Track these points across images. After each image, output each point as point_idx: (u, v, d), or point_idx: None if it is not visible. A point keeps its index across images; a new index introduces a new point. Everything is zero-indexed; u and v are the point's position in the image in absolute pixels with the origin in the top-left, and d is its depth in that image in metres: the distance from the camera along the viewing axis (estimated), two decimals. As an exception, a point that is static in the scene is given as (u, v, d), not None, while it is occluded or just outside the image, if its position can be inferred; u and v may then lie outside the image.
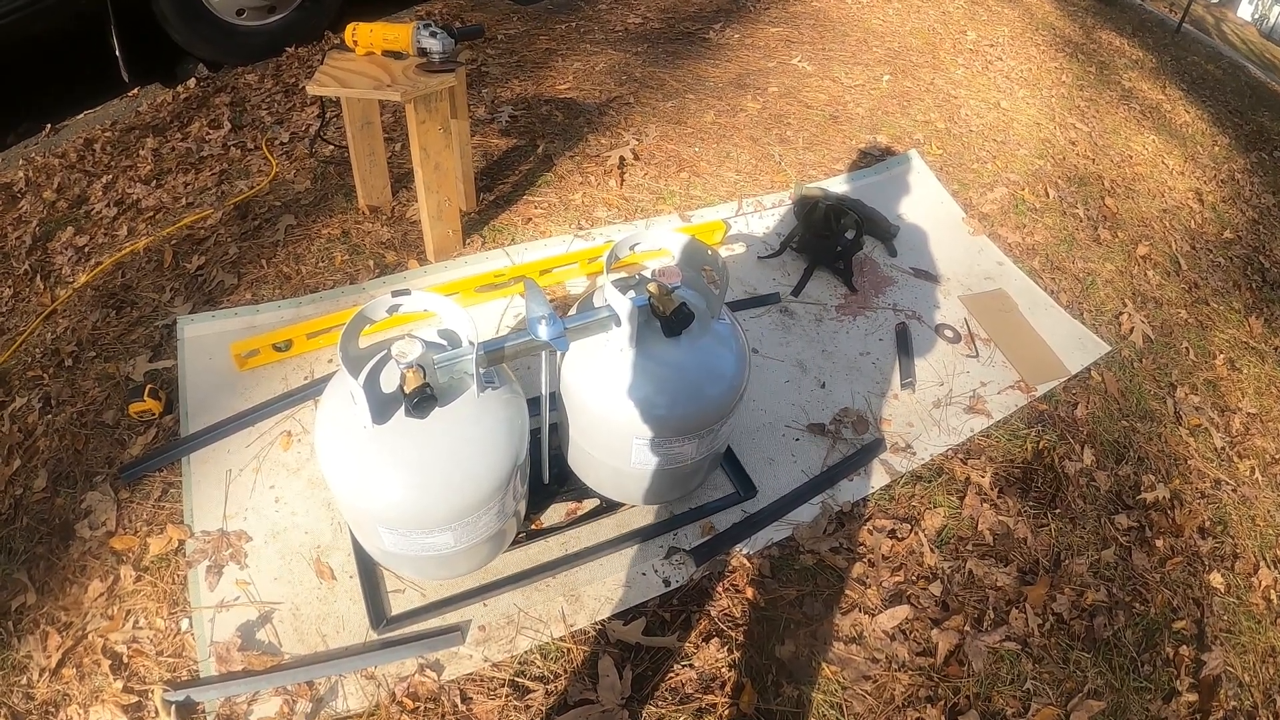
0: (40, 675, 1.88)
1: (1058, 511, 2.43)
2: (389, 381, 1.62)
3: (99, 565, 2.08)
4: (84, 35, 3.71)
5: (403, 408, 1.55)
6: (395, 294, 1.60)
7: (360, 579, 1.98)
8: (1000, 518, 2.36)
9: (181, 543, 2.10)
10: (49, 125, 3.89)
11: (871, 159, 3.69)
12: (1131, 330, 3.16)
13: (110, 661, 1.89)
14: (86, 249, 3.04)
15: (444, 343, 1.68)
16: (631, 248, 1.78)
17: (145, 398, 2.35)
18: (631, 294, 1.73)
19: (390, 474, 1.56)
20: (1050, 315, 3.08)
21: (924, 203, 3.46)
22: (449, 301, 1.62)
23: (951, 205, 3.49)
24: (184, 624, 1.97)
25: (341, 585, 2.01)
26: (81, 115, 3.97)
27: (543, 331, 1.60)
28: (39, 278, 2.95)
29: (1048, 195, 3.78)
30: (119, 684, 1.85)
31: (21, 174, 3.53)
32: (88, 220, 3.19)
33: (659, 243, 1.82)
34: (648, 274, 1.75)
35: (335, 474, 1.60)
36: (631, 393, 1.71)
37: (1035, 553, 2.31)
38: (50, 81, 4.23)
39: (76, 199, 3.31)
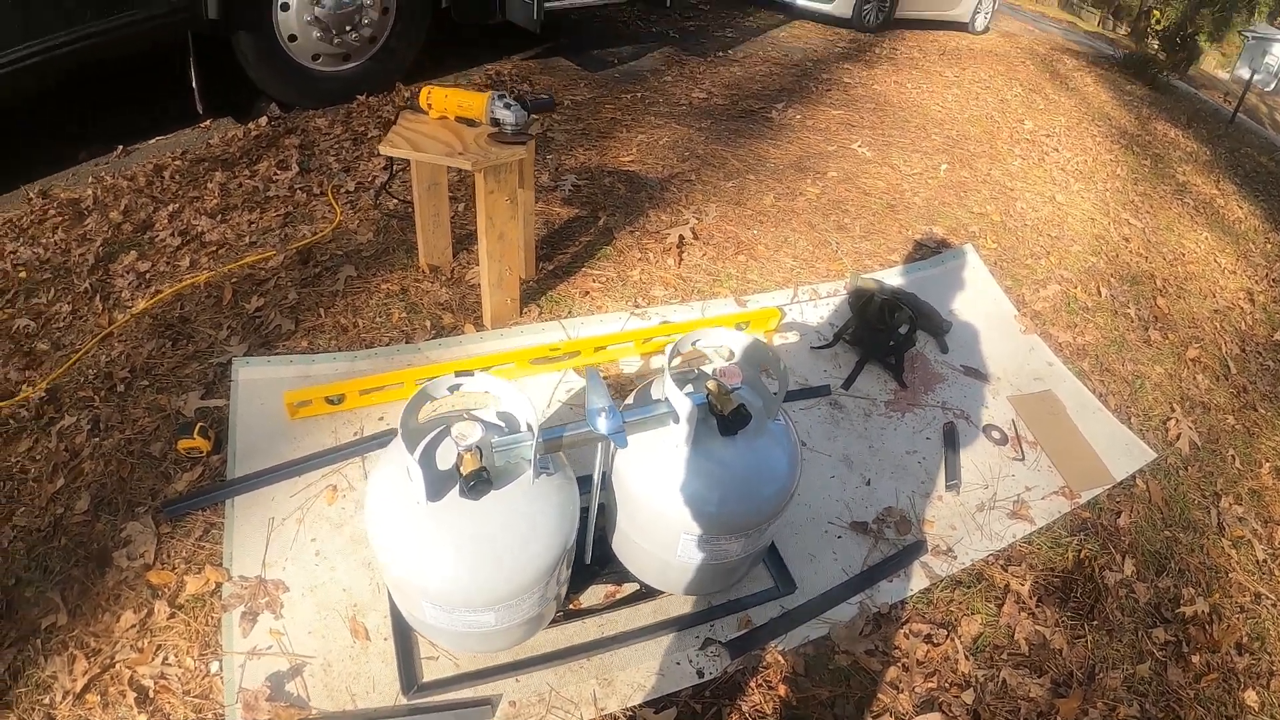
0: (64, 698, 1.88)
1: (1095, 623, 2.38)
2: (445, 457, 1.62)
3: (133, 596, 2.09)
4: (163, 63, 3.83)
5: (457, 487, 1.55)
6: (458, 374, 1.61)
7: (395, 642, 1.97)
8: (1037, 627, 2.31)
9: (219, 585, 2.11)
10: (121, 147, 4.00)
11: (927, 250, 3.69)
12: (1178, 437, 3.11)
13: (136, 694, 1.89)
14: (148, 275, 3.11)
15: (501, 424, 1.69)
16: (693, 343, 1.78)
17: (195, 435, 2.37)
18: (690, 389, 1.74)
19: (441, 552, 1.56)
20: (1098, 419, 3.04)
21: (977, 299, 3.46)
22: (510, 386, 1.63)
23: (1004, 302, 3.47)
24: (214, 666, 1.96)
25: (375, 646, 2.00)
26: (153, 141, 4.09)
27: (602, 425, 1.60)
28: (98, 298, 3.01)
29: (1100, 294, 3.76)
30: (143, 717, 1.85)
31: (90, 191, 3.62)
32: (151, 247, 3.26)
33: (722, 341, 1.82)
34: (708, 369, 1.75)
35: (384, 545, 1.61)
36: (684, 489, 1.70)
37: (1070, 664, 2.26)
38: (126, 104, 4.36)
39: (142, 224, 3.39)
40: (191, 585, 2.10)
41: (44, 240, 3.32)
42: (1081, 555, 2.54)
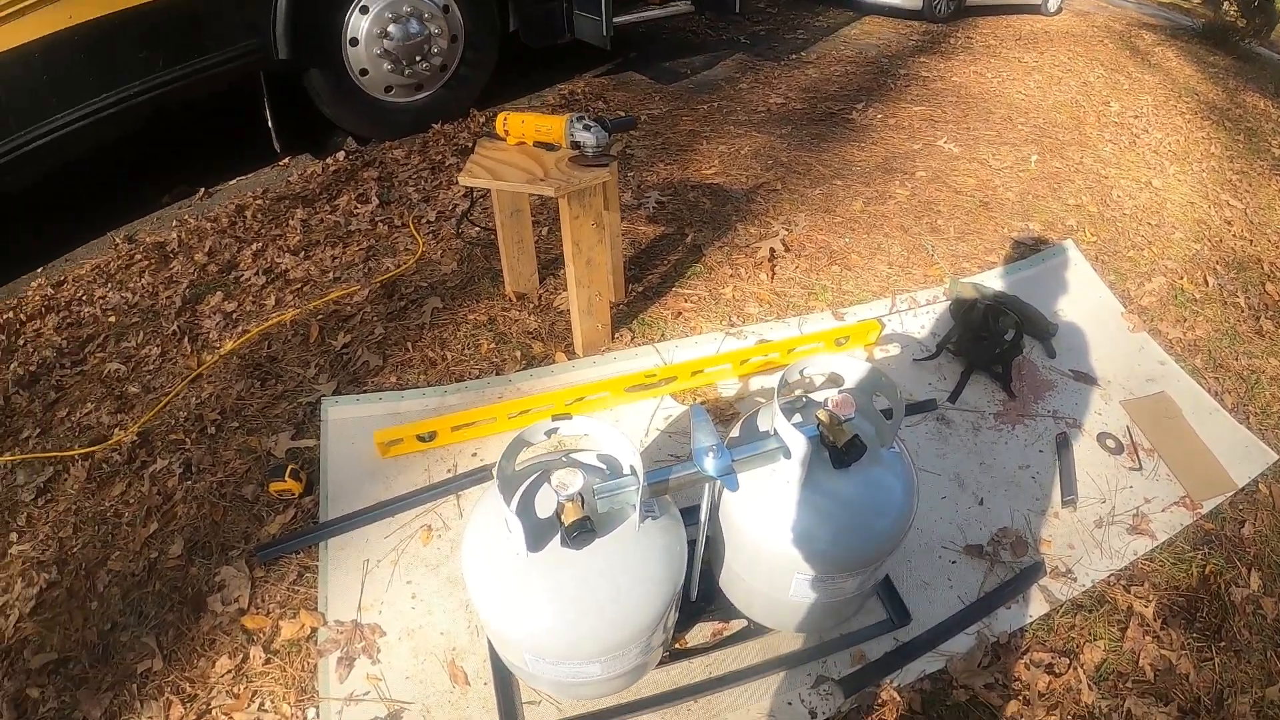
0: (160, 744, 1.87)
1: (1222, 644, 2.20)
2: (544, 504, 1.57)
3: (229, 642, 2.09)
4: (239, 105, 3.91)
5: (559, 536, 1.49)
6: (555, 418, 1.55)
7: (495, 687, 1.93)
8: (1163, 652, 2.15)
9: (314, 630, 2.10)
10: (203, 189, 4.09)
11: (1025, 249, 3.52)
12: (1300, 434, 2.89)
13: (232, 740, 1.87)
14: (234, 315, 3.15)
15: (603, 466, 1.62)
16: (801, 372, 1.69)
17: (286, 477, 2.38)
18: (798, 418, 1.65)
19: (543, 605, 1.50)
20: (1215, 420, 2.85)
21: (1081, 297, 3.27)
22: (610, 428, 1.56)
23: (1110, 299, 3.28)
24: (310, 713, 1.95)
25: (475, 691, 1.95)
26: (234, 181, 4.17)
27: (710, 466, 1.52)
28: (186, 340, 3.05)
29: (1207, 284, 3.53)
30: (239, 765, 1.83)
31: (175, 234, 3.70)
32: (236, 286, 3.30)
33: (832, 368, 1.72)
34: (817, 397, 1.66)
35: (484, 599, 1.55)
36: (795, 526, 1.61)
37: (1197, 690, 2.09)
38: (206, 146, 4.47)
39: (227, 264, 3.44)
40: (286, 630, 2.10)
41: (131, 284, 3.40)
42: (1206, 571, 2.37)
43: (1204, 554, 2.41)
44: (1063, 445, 2.62)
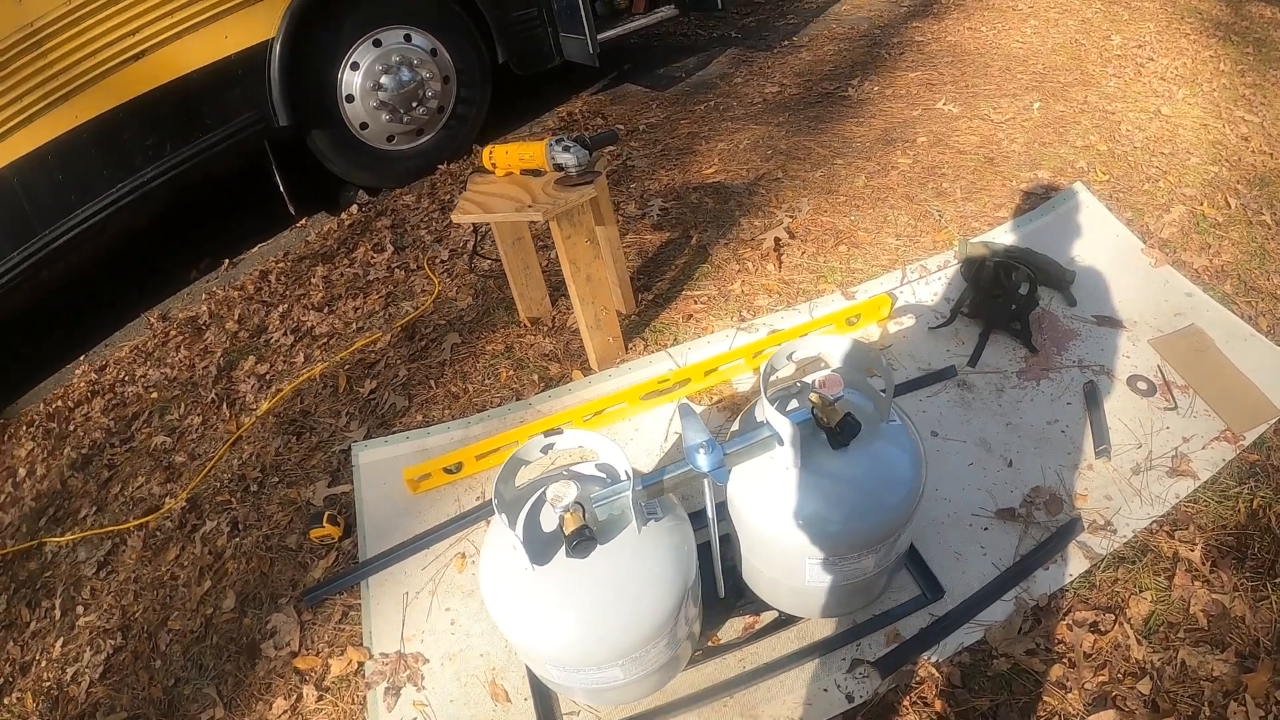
0: (227, 787, 1.96)
1: (1278, 580, 2.11)
2: (549, 519, 1.60)
3: (283, 684, 2.19)
4: (250, 174, 4.06)
5: (564, 547, 1.52)
6: (547, 434, 1.59)
7: (534, 702, 1.97)
8: (1214, 596, 2.06)
9: (361, 664, 2.17)
10: (227, 260, 4.26)
11: (1036, 199, 3.44)
12: (1343, 348, 2.76)
13: (293, 776, 1.95)
14: (267, 376, 3.27)
15: (604, 476, 1.66)
16: (788, 357, 1.70)
17: (325, 524, 2.47)
18: (794, 404, 1.66)
19: (554, 615, 1.54)
20: (1251, 346, 2.73)
21: (1098, 239, 3.18)
22: (600, 437, 1.60)
23: (1128, 237, 3.19)
24: (362, 743, 2.01)
25: (516, 707, 2.00)
26: (256, 249, 4.33)
27: (702, 461, 1.54)
28: (225, 405, 3.19)
29: (1229, 205, 3.41)
30: (301, 799, 1.91)
31: (205, 307, 3.86)
32: (267, 348, 3.43)
33: (815, 350, 1.73)
34: (809, 380, 1.67)
35: (501, 614, 1.61)
36: (800, 512, 1.62)
37: (1255, 632, 1.98)
38: (224, 219, 4.65)
39: (256, 329, 3.58)
40: (336, 667, 2.18)
41: (169, 360, 3.56)
42: (1254, 505, 2.26)
43: (1250, 487, 2.31)
44: (1091, 394, 2.55)
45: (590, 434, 1.60)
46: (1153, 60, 4.62)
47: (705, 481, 1.68)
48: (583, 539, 1.46)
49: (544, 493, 1.63)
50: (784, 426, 1.55)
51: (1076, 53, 4.72)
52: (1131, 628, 2.00)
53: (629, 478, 1.53)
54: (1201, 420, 2.50)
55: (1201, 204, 3.41)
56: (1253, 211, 3.38)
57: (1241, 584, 2.09)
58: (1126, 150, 3.77)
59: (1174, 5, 5.38)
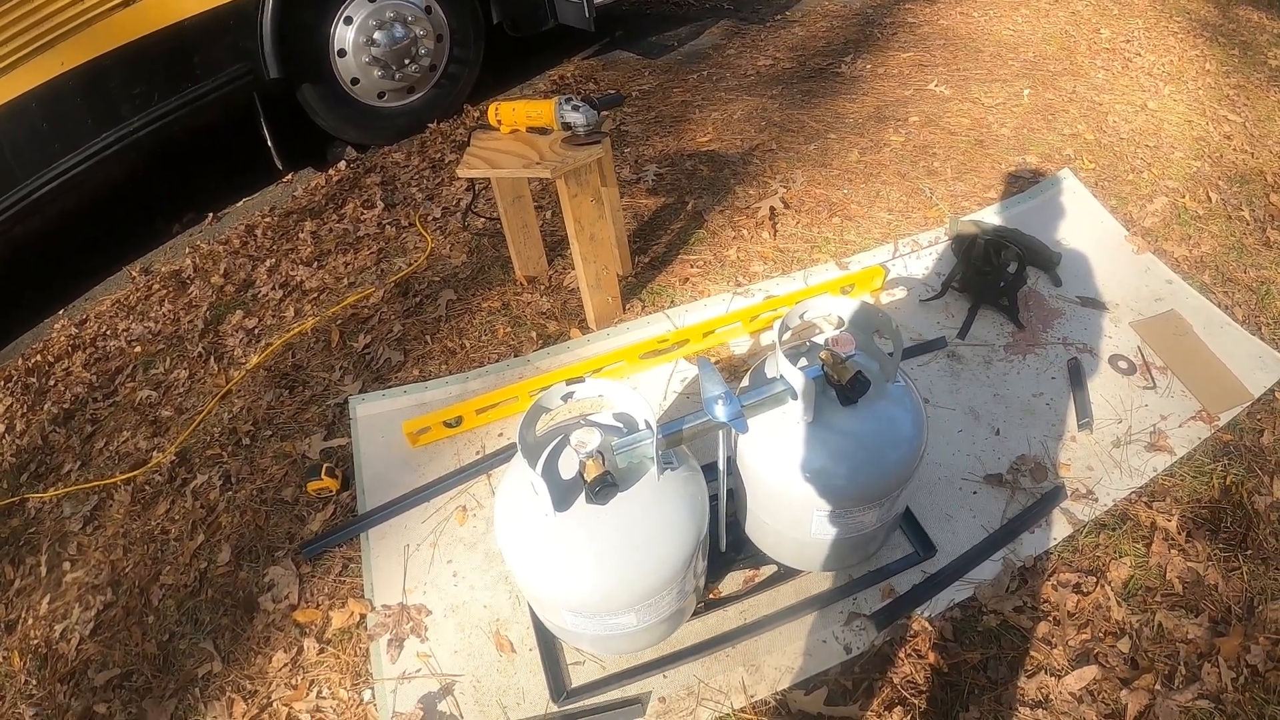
0: (226, 741, 1.97)
1: (1249, 553, 2.21)
2: (567, 467, 1.63)
3: (283, 637, 2.19)
4: (238, 127, 3.99)
5: (583, 494, 1.55)
6: (569, 382, 1.61)
7: (540, 652, 2.01)
8: (1189, 564, 2.17)
9: (363, 616, 2.19)
10: (211, 214, 4.18)
11: (1024, 182, 3.53)
12: (1312, 340, 2.88)
13: (295, 728, 1.97)
14: (256, 331, 3.24)
15: (620, 425, 1.69)
16: (801, 316, 1.74)
17: (323, 476, 2.46)
18: (804, 363, 1.70)
19: (574, 561, 1.57)
20: (1227, 334, 2.85)
21: (1083, 224, 3.28)
22: (623, 386, 1.63)
23: (1112, 223, 3.29)
24: (366, 695, 2.04)
25: (521, 658, 2.03)
26: (241, 203, 4.26)
27: (720, 412, 1.58)
28: (212, 359, 3.15)
29: (1210, 199, 3.52)
30: (303, 750, 1.92)
31: (189, 261, 3.80)
32: (255, 303, 3.39)
33: (829, 309, 1.77)
34: (820, 340, 1.71)
35: (518, 561, 1.63)
36: (809, 465, 1.67)
37: (1227, 599, 2.10)
38: (210, 173, 4.56)
39: (243, 283, 3.53)
40: (337, 619, 2.19)
41: (153, 314, 3.50)
42: (1227, 481, 2.38)
43: (1224, 465, 2.42)
44: (1075, 370, 2.64)
45: (612, 383, 1.63)
46: (1140, 55, 4.71)
47: (719, 435, 1.73)
48: (605, 485, 1.49)
49: (562, 440, 1.66)
50: (798, 380, 1.59)
51: (1066, 43, 4.80)
52: (1112, 590, 2.10)
53: (649, 427, 1.56)
54: (1179, 400, 2.60)
55: (1184, 197, 3.51)
56: (1232, 207, 3.49)
57: (1215, 554, 2.20)
58: (1112, 141, 3.86)
59: (1163, 3, 5.49)
